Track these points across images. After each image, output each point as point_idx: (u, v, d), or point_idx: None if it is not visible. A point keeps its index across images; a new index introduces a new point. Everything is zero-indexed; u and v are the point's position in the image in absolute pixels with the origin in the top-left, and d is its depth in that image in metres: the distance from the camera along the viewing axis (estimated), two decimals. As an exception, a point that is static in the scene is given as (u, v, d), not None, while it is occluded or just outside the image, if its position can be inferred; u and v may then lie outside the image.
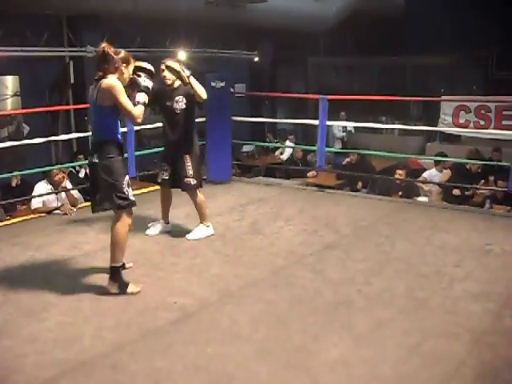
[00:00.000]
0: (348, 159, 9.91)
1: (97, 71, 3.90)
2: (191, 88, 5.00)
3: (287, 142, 12.04)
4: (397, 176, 7.92)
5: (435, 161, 8.59)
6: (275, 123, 13.50)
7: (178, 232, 5.35)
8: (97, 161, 3.92)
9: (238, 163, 9.67)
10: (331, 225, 5.60)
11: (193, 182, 5.09)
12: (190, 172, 5.07)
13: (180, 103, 5.07)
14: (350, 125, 10.52)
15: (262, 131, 13.67)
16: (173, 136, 5.13)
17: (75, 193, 6.96)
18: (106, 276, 4.12)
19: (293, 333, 3.45)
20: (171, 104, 5.07)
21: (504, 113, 9.62)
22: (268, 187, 7.40)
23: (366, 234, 5.37)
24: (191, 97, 5.06)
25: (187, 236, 5.18)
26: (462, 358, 3.16)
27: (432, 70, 13.47)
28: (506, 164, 6.58)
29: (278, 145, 12.35)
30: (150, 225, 5.44)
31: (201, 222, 5.25)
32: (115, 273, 4.03)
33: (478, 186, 8.01)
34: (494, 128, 9.60)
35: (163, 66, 5.00)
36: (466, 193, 7.96)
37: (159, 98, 5.00)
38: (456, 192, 7.85)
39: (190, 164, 5.08)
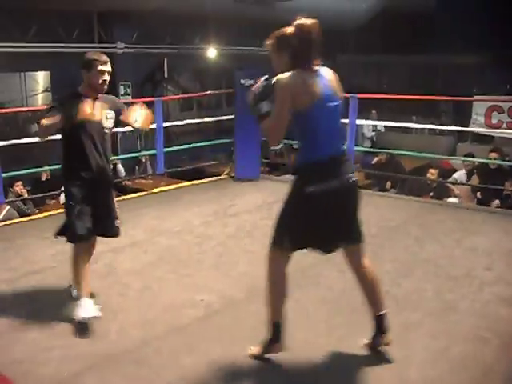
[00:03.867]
0: (377, 158, 9.81)
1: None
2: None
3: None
4: (429, 175, 7.81)
5: (465, 162, 8.46)
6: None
7: (205, 229, 5.36)
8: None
9: (266, 161, 9.63)
10: (359, 225, 5.54)
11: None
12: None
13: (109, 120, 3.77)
14: (380, 124, 10.40)
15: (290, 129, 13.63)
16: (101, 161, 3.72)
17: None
18: (133, 271, 4.14)
19: (319, 333, 3.42)
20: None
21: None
22: (295, 185, 7.37)
23: (394, 235, 5.31)
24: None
25: None
26: (490, 363, 3.10)
27: (464, 70, 13.30)
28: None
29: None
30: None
31: None
32: None
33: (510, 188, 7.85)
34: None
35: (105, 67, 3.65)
36: (506, 192, 7.77)
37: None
38: (478, 195, 7.72)
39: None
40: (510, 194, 7.70)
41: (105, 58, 3.66)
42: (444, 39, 12.79)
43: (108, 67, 3.65)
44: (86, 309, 3.47)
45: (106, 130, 3.71)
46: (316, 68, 2.91)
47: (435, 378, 2.97)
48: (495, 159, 7.77)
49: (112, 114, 3.71)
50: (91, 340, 3.33)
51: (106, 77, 3.64)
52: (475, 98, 10.17)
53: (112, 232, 3.82)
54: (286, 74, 2.84)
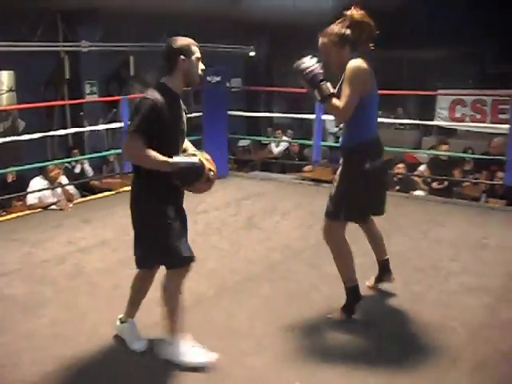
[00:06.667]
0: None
1: None
2: None
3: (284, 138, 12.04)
4: (397, 170, 7.92)
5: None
6: (271, 118, 13.46)
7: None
8: None
9: (234, 158, 9.65)
10: (327, 219, 5.59)
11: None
12: None
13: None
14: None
15: (257, 126, 13.65)
16: None
17: (71, 188, 6.96)
18: (102, 270, 4.11)
19: (289, 328, 3.45)
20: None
21: (500, 107, 9.62)
22: (264, 182, 7.40)
23: (362, 229, 5.36)
24: None
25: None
26: (457, 352, 3.17)
27: (428, 64, 13.47)
28: (502, 157, 6.58)
29: (274, 139, 12.32)
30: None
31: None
32: None
33: (473, 180, 8.02)
34: (491, 122, 9.61)
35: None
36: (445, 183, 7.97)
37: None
38: (435, 185, 7.86)
39: None
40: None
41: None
42: (409, 35, 12.93)
43: None
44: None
45: None
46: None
47: (404, 367, 3.02)
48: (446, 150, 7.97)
49: None
50: (62, 342, 3.30)
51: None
52: (439, 91, 10.29)
53: None
54: (359, 61, 3.24)
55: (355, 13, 3.36)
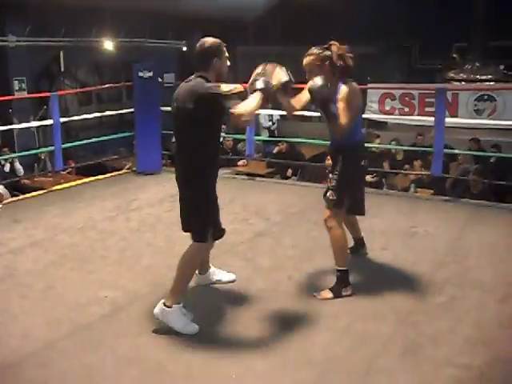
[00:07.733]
0: (278, 148, 10.02)
1: None
2: None
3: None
4: (327, 162, 8.05)
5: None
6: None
7: (107, 225, 5.30)
8: None
9: (167, 153, 9.58)
10: (261, 213, 5.65)
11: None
12: None
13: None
14: (277, 113, 10.52)
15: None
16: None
17: (0, 188, 6.77)
18: (34, 271, 4.03)
19: (225, 322, 3.48)
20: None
21: (427, 100, 9.94)
22: (199, 177, 7.38)
23: (295, 221, 5.45)
24: None
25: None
26: (388, 338, 3.27)
27: (358, 59, 13.73)
28: (430, 149, 6.80)
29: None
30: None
31: None
32: None
33: (402, 171, 8.26)
34: (418, 114, 9.91)
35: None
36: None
37: None
38: (369, 179, 8.07)
39: None
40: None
41: None
42: (340, 30, 13.13)
43: None
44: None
45: None
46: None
47: (337, 356, 3.09)
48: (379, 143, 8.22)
49: None
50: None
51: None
52: (369, 85, 10.51)
53: None
54: (353, 83, 3.72)
55: (335, 47, 3.79)
